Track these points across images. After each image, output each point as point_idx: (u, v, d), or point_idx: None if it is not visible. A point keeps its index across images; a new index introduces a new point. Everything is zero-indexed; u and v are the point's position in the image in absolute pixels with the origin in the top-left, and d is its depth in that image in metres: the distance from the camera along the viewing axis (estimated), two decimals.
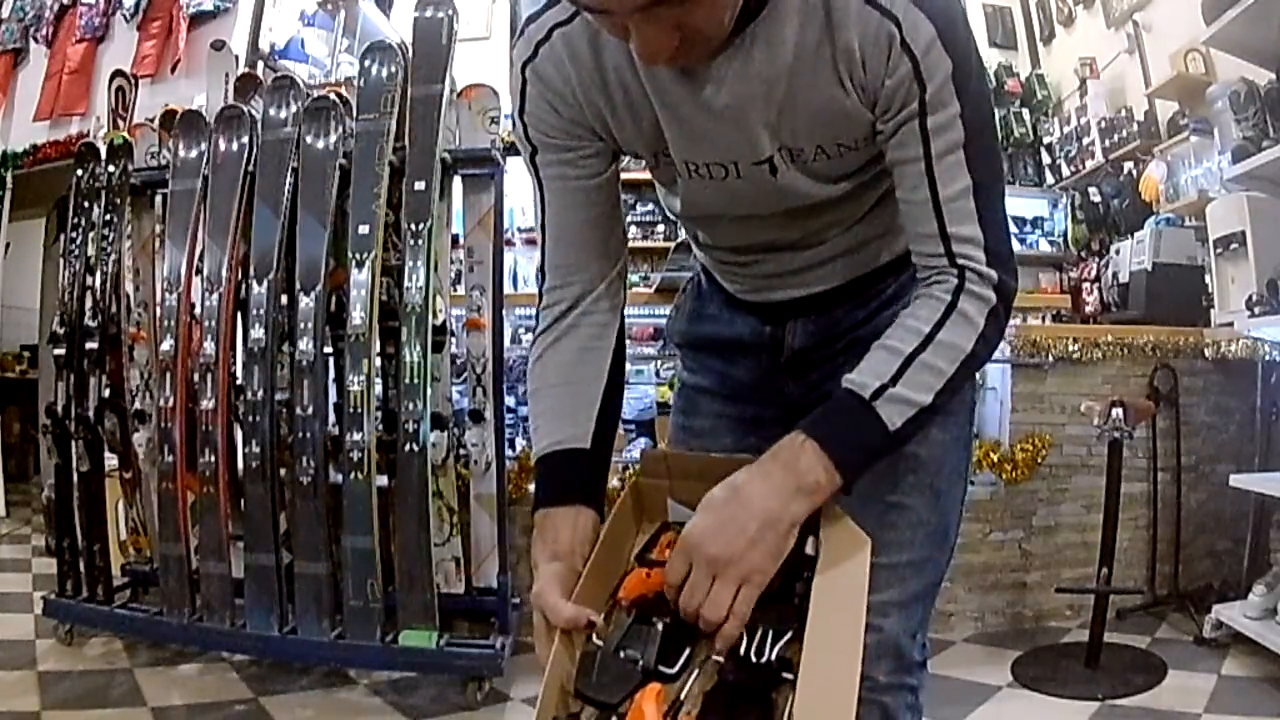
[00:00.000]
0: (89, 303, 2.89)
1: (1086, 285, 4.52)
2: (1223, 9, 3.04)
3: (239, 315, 2.64)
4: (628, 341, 1.04)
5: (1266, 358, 2.99)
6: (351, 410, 2.48)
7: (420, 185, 2.52)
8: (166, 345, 2.70)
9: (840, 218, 1.01)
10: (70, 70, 4.54)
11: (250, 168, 2.67)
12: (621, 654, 0.80)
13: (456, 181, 2.71)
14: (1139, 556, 3.16)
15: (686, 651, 0.81)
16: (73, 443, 2.90)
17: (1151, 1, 4.39)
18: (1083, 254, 4.78)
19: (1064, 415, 3.09)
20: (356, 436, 2.46)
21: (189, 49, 4.11)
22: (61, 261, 3.06)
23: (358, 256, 2.51)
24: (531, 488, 2.69)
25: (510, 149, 2.58)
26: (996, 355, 0.97)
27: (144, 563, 3.01)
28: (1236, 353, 3.02)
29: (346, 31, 4.28)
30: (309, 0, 4.28)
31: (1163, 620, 3.02)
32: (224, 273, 2.63)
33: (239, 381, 2.63)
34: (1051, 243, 4.99)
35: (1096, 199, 4.62)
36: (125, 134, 3.09)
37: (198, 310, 2.70)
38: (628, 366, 1.05)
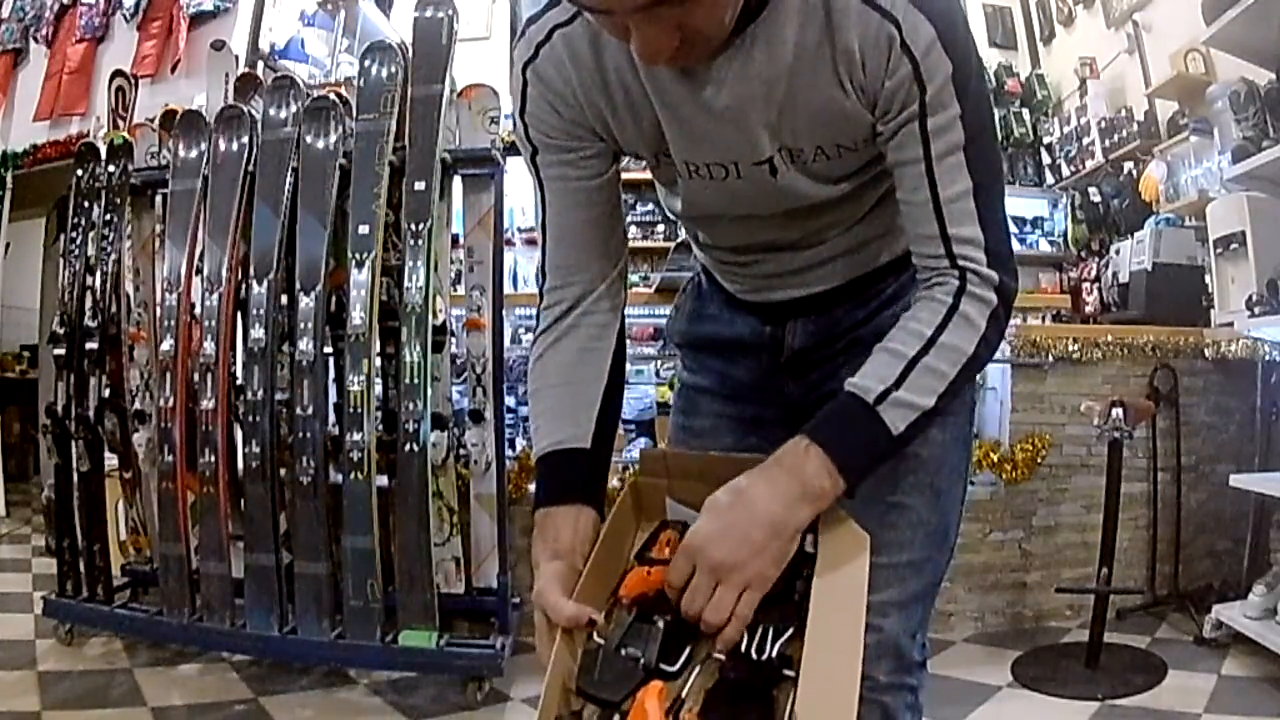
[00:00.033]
0: (89, 303, 2.89)
1: (1086, 285, 4.52)
2: (1223, 9, 3.04)
3: (239, 315, 2.64)
4: (628, 341, 1.04)
5: (1266, 358, 2.99)
6: (351, 410, 2.48)
7: (420, 185, 2.52)
8: (166, 345, 2.70)
9: (840, 218, 1.01)
10: (70, 70, 4.54)
11: (250, 168, 2.67)
12: (623, 652, 0.80)
13: (456, 181, 2.71)
14: (1139, 556, 3.16)
15: (688, 649, 0.81)
16: (73, 443, 2.90)
17: (1151, 1, 4.39)
18: (1083, 254, 4.79)
19: (1064, 415, 3.09)
20: (356, 436, 2.46)
21: (189, 49, 4.11)
22: (61, 261, 3.06)
23: (358, 256, 2.51)
24: (532, 488, 2.69)
25: (510, 149, 2.59)
26: (996, 355, 0.97)
27: (144, 563, 3.01)
28: (1236, 353, 3.02)
29: (346, 31, 4.28)
30: (309, 0, 4.28)
31: (1163, 620, 3.02)
32: (224, 273, 2.63)
33: (239, 381, 2.63)
34: (1051, 243, 4.99)
35: (1096, 199, 4.62)
36: (125, 134, 3.09)
37: (198, 310, 2.70)
38: (628, 366, 1.05)
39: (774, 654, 0.79)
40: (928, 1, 0.81)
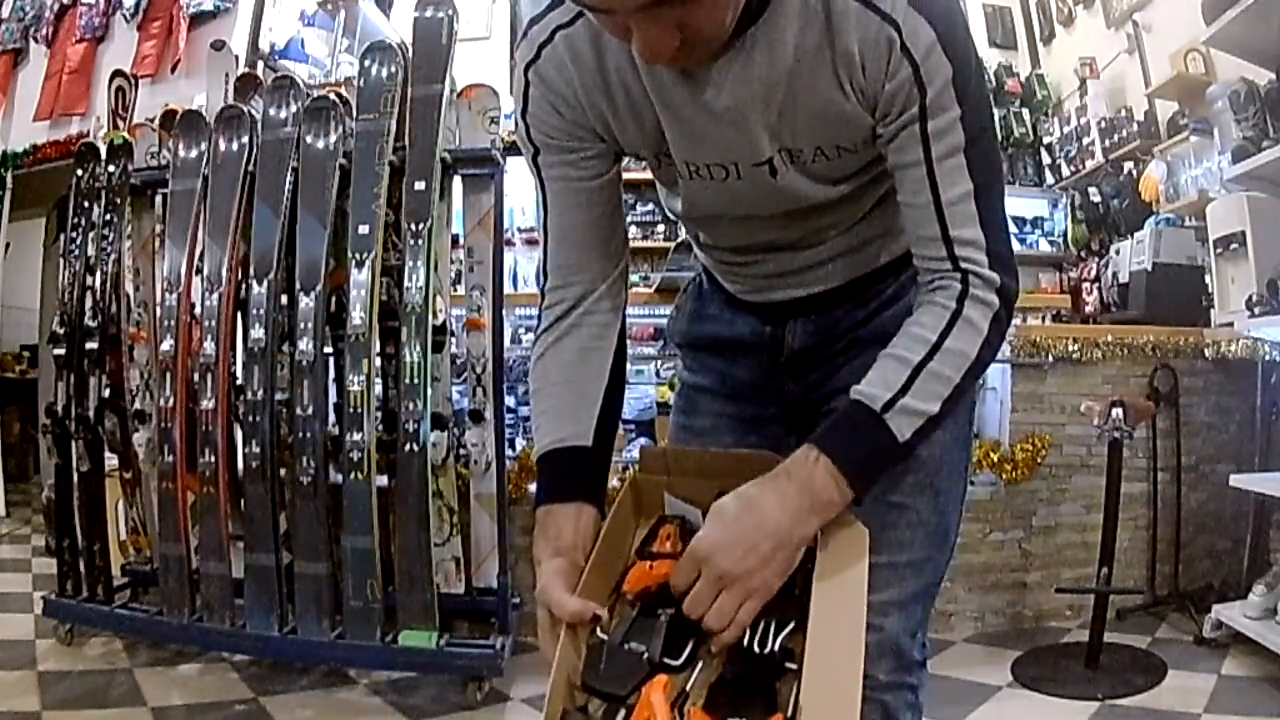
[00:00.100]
0: (89, 303, 2.89)
1: (1086, 285, 4.52)
2: (1223, 9, 3.04)
3: (239, 315, 2.64)
4: (628, 341, 1.04)
5: (1266, 358, 2.99)
6: (351, 410, 2.48)
7: (420, 185, 2.52)
8: (166, 345, 2.70)
9: (840, 219, 1.01)
10: (70, 70, 4.54)
11: (250, 168, 2.67)
12: (627, 647, 0.81)
13: (456, 181, 2.71)
14: (1139, 556, 3.17)
15: (691, 644, 0.81)
16: (73, 443, 2.90)
17: (1151, 1, 4.39)
18: (1083, 254, 4.79)
19: (1064, 415, 3.09)
20: (356, 436, 2.46)
21: (189, 49, 4.11)
22: (61, 261, 3.06)
23: (358, 256, 2.51)
24: (532, 487, 2.70)
25: (510, 149, 2.59)
26: (997, 355, 0.97)
27: (144, 563, 3.01)
28: (1236, 353, 3.02)
29: (346, 31, 4.28)
30: (309, 0, 4.28)
31: (1163, 620, 3.02)
32: (224, 273, 2.63)
33: (239, 381, 2.63)
34: (1051, 243, 4.99)
35: (1096, 199, 4.63)
36: (125, 134, 3.09)
37: (198, 310, 2.70)
38: (628, 366, 1.05)
39: (776, 647, 0.79)
40: (927, 4, 0.81)
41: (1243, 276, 3.02)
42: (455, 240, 2.85)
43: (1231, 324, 3.06)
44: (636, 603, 0.85)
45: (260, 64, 3.85)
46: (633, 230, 5.00)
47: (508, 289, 3.31)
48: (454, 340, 2.71)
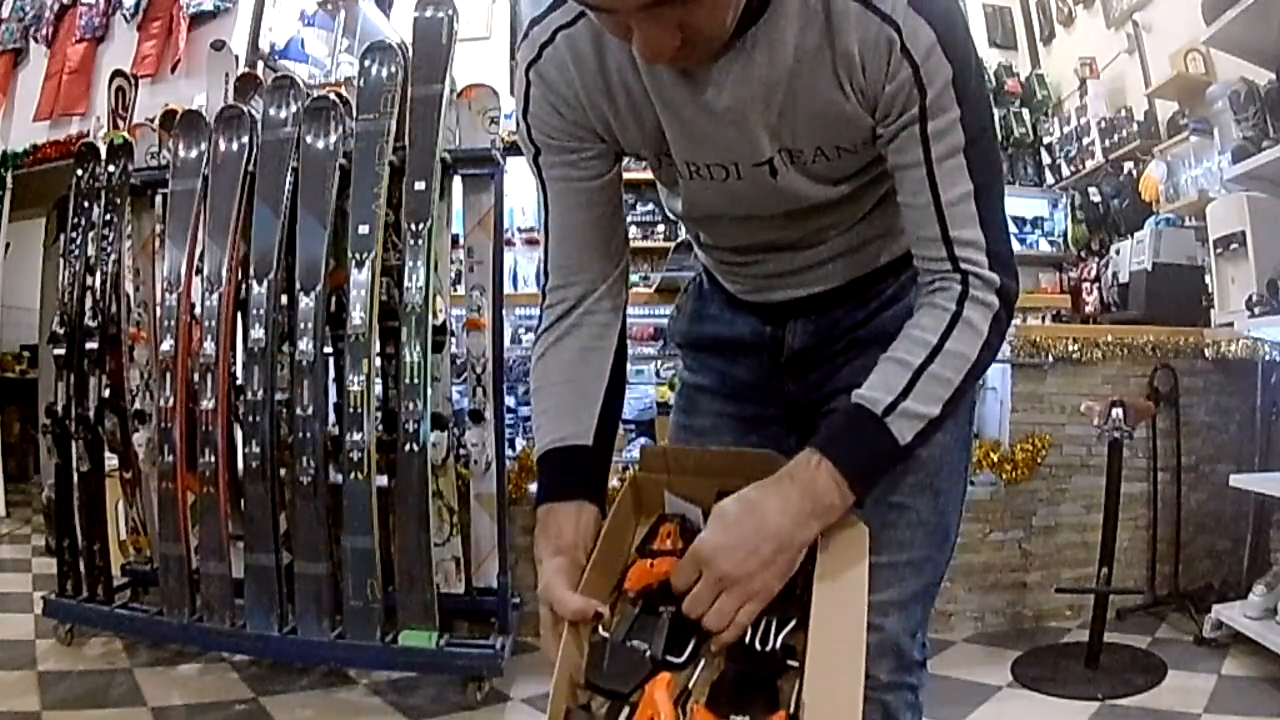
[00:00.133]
0: (89, 303, 2.89)
1: (1086, 285, 4.52)
2: (1223, 9, 3.04)
3: (239, 315, 2.64)
4: (628, 341, 1.04)
5: (1266, 358, 2.99)
6: (351, 410, 2.48)
7: (420, 185, 2.52)
8: (166, 345, 2.70)
9: (840, 219, 1.01)
10: (70, 70, 4.54)
11: (250, 168, 2.67)
12: (630, 644, 0.81)
13: (456, 181, 2.71)
14: (1139, 556, 3.17)
15: (693, 641, 0.82)
16: (73, 443, 2.90)
17: (1151, 1, 4.39)
18: (1083, 254, 4.79)
19: (1064, 415, 3.09)
20: (356, 436, 2.46)
21: (189, 49, 4.11)
22: (61, 261, 3.06)
23: (358, 256, 2.52)
24: (532, 487, 2.69)
25: (510, 149, 2.59)
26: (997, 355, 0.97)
27: (144, 563, 3.01)
28: (1236, 353, 3.02)
29: (346, 31, 4.28)
30: (309, 0, 4.28)
31: (1163, 620, 3.02)
32: (224, 273, 2.63)
33: (239, 381, 2.63)
34: (1051, 243, 4.99)
35: (1096, 199, 4.63)
36: (125, 134, 3.09)
37: (198, 310, 2.71)
38: (628, 366, 1.05)
39: (777, 645, 0.79)
40: (927, 5, 0.81)
41: (1243, 276, 3.02)
42: (455, 240, 2.85)
43: (1231, 324, 3.06)
44: (638, 600, 0.85)
45: (260, 64, 3.85)
46: (633, 230, 5.00)
47: (508, 289, 3.31)
48: (454, 340, 2.71)
